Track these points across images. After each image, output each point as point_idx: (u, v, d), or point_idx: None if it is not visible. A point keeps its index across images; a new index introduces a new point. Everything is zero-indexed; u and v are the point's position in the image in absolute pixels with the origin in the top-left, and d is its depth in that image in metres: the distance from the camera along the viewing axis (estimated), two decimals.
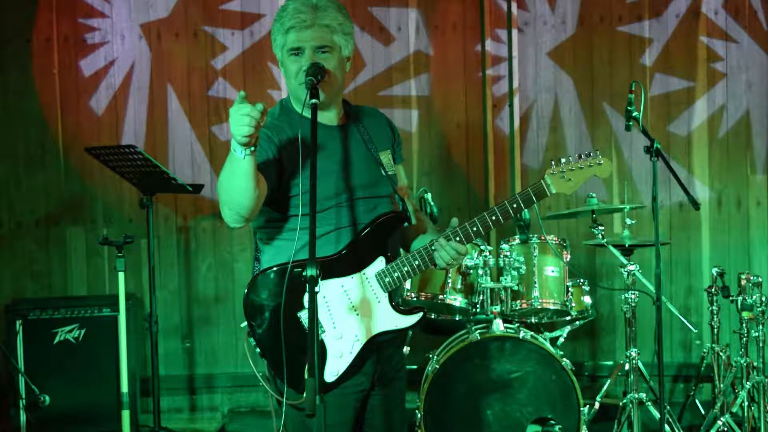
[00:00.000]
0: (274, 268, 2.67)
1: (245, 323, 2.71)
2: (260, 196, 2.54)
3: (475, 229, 2.71)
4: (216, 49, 5.59)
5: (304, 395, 2.34)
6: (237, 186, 2.47)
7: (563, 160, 2.76)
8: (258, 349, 2.68)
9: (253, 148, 2.41)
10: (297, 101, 2.73)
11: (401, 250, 2.89)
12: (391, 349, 2.81)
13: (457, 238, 2.71)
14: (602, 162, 2.78)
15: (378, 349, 2.73)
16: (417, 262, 2.72)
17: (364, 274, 2.70)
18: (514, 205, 2.72)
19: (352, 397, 2.73)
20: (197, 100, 5.60)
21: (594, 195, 4.63)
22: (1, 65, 5.53)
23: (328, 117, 2.75)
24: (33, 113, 5.54)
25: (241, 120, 2.35)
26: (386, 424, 2.83)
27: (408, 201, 2.94)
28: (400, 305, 2.75)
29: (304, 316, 2.63)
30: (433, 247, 2.72)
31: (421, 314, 2.75)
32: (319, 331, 2.65)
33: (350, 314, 2.68)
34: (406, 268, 2.71)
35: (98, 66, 5.56)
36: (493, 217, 2.71)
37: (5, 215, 5.58)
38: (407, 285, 4.36)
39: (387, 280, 2.70)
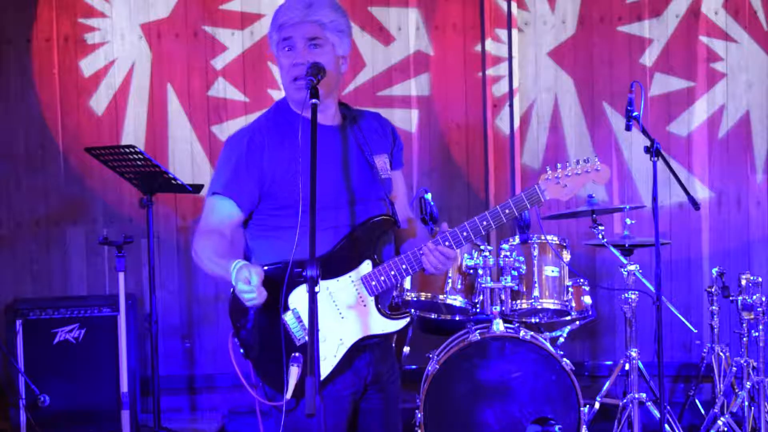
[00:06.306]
0: (264, 268, 2.65)
1: None
2: None
3: (465, 234, 2.68)
4: (216, 49, 5.58)
5: (287, 395, 2.35)
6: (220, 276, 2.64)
7: (559, 166, 2.71)
8: (242, 350, 2.67)
9: None
10: (290, 100, 2.73)
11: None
12: (382, 350, 2.78)
13: (446, 243, 2.67)
14: (600, 168, 2.71)
15: (368, 351, 2.71)
16: (404, 266, 2.68)
17: (350, 277, 2.67)
18: (507, 211, 2.67)
19: (346, 400, 2.70)
20: (197, 100, 5.60)
21: (594, 195, 4.64)
22: (1, 65, 5.52)
23: (322, 117, 2.69)
24: (33, 113, 5.54)
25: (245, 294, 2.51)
26: (381, 428, 2.81)
27: (397, 204, 2.90)
28: (386, 309, 2.72)
29: (288, 317, 2.61)
30: (421, 252, 2.68)
31: (407, 319, 2.72)
32: (302, 334, 2.62)
33: (335, 317, 2.65)
34: (392, 272, 2.68)
35: (98, 66, 5.56)
36: (484, 222, 2.68)
37: (5, 215, 5.57)
38: (407, 285, 4.36)
39: (373, 283, 2.67)
